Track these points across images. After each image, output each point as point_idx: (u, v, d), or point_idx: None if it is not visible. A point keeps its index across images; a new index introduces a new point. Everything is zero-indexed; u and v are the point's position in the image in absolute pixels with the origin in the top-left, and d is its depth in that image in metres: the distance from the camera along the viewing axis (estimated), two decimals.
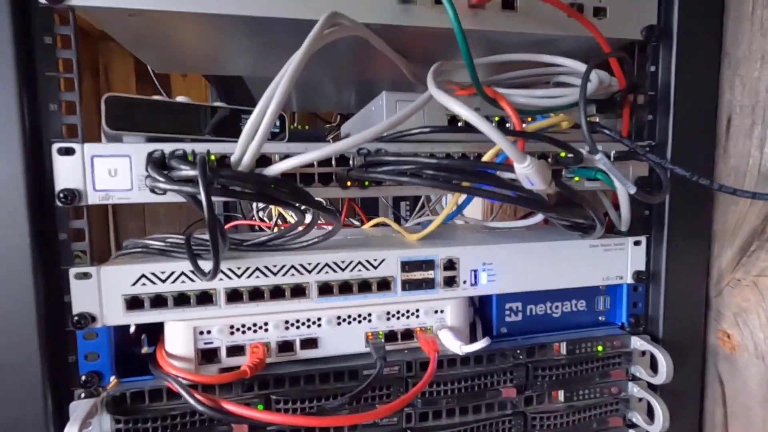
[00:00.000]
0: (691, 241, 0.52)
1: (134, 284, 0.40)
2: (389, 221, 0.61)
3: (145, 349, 0.48)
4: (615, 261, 0.51)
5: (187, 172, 0.36)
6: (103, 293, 0.39)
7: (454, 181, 0.41)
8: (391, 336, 0.46)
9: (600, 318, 0.54)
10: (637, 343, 0.51)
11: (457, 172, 0.41)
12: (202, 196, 0.34)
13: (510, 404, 0.48)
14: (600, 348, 0.50)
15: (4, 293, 0.37)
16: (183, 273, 0.41)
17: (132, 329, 0.46)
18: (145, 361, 0.42)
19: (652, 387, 0.51)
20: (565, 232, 0.52)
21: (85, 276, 0.39)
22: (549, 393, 0.50)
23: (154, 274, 0.40)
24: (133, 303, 0.40)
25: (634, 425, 0.52)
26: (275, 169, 0.38)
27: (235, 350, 0.42)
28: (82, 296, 0.39)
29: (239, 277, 0.42)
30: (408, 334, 0.46)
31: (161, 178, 0.37)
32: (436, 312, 0.47)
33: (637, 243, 0.52)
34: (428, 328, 0.47)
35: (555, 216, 0.47)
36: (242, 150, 0.37)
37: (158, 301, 0.41)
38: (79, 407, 0.37)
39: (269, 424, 0.41)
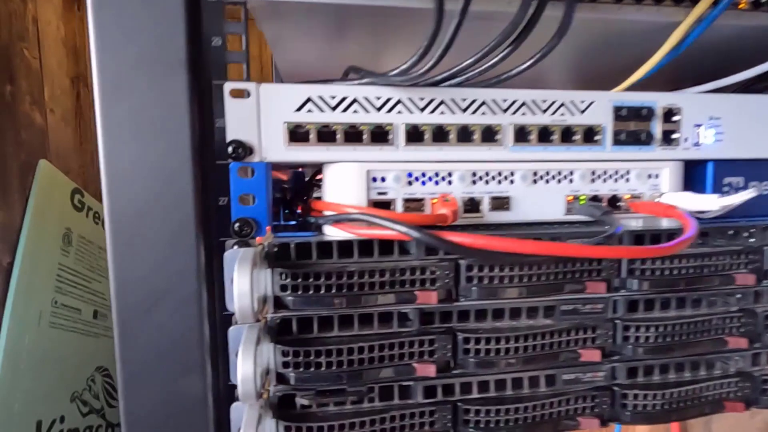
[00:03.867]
0: None
1: (299, 109, 0.32)
2: None
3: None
4: None
5: None
6: (263, 118, 0.31)
7: None
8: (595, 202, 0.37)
9: None
10: None
11: None
12: None
13: (736, 300, 0.38)
14: None
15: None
16: (356, 101, 0.32)
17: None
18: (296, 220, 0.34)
19: None
20: None
21: (242, 94, 0.31)
22: None
23: (322, 98, 0.32)
24: (297, 133, 0.32)
25: None
26: None
27: (413, 204, 0.34)
28: (237, 119, 0.31)
29: (421, 111, 0.33)
30: (614, 202, 0.37)
31: None
32: (649, 177, 0.37)
33: None
34: (638, 195, 0.37)
35: None
36: None
37: (326, 134, 0.32)
38: (239, 256, 0.29)
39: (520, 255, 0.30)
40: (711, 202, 0.32)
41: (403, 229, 0.27)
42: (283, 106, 0.31)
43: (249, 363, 0.27)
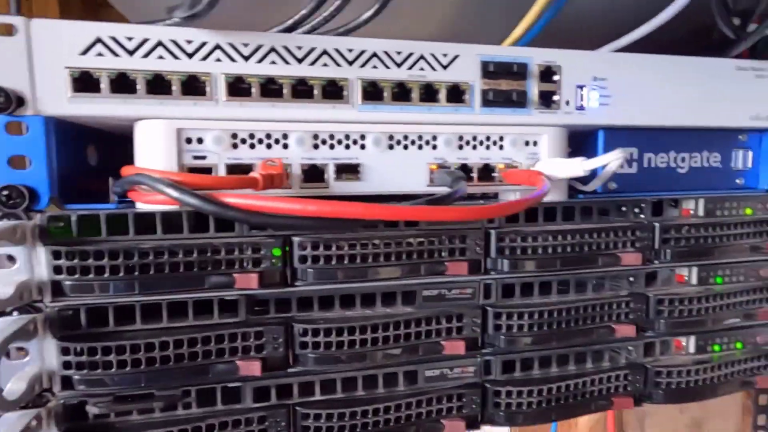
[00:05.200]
0: None
1: (86, 52, 0.26)
2: None
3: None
4: (765, 94, 0.37)
5: None
6: (35, 61, 0.25)
7: None
8: (462, 172, 0.32)
9: (737, 180, 0.39)
10: None
11: None
12: None
13: (627, 281, 0.34)
14: (748, 211, 0.36)
15: None
16: (161, 44, 0.27)
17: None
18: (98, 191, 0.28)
19: None
20: None
21: (5, 30, 0.25)
22: (678, 269, 0.36)
23: (116, 39, 0.26)
24: (85, 82, 0.26)
25: None
26: None
27: (240, 171, 0.28)
28: (1, 62, 0.25)
29: (246, 59, 0.28)
30: (487, 173, 0.32)
31: None
32: (527, 144, 0.33)
33: None
34: (513, 165, 0.33)
35: None
36: None
37: (123, 85, 0.27)
38: None
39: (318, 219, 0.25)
40: (576, 167, 0.28)
41: (172, 192, 0.21)
42: (65, 48, 0.26)
43: None
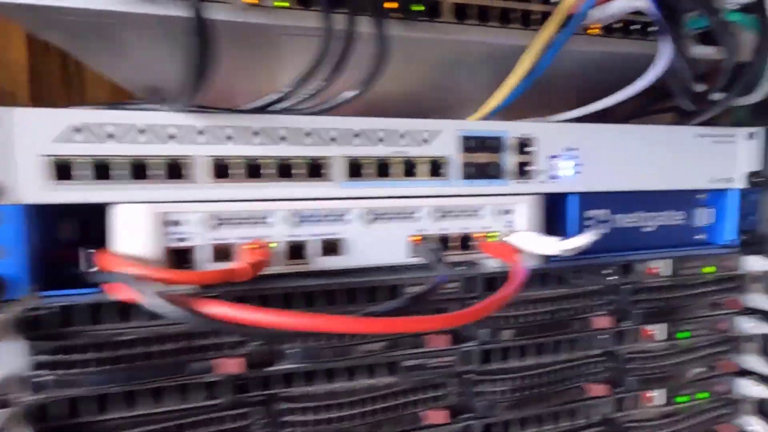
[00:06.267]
0: None
1: (63, 140, 0.25)
2: None
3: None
4: (725, 158, 0.39)
5: None
6: (16, 149, 0.25)
7: None
8: (442, 243, 0.33)
9: (699, 236, 0.41)
10: (753, 263, 0.39)
11: None
12: None
13: (599, 341, 0.36)
14: (710, 269, 0.38)
15: None
16: (140, 129, 0.27)
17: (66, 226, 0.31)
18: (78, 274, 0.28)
19: None
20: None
21: None
22: (646, 328, 0.38)
23: (93, 126, 0.26)
24: (62, 169, 0.26)
25: (747, 372, 0.40)
26: None
27: (223, 252, 0.28)
28: None
29: (229, 139, 0.28)
30: (465, 242, 0.33)
31: None
32: (504, 212, 0.34)
33: (751, 136, 0.40)
34: (492, 234, 0.34)
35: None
36: None
37: (103, 170, 0.26)
38: None
39: (279, 331, 0.26)
40: (551, 246, 0.29)
41: (137, 294, 0.21)
42: (41, 136, 0.25)
43: None
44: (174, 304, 0.21)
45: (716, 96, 0.35)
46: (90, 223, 0.31)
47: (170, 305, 0.21)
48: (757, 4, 0.31)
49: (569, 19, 0.32)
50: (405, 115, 0.32)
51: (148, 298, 0.21)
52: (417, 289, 0.27)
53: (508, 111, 0.34)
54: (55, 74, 0.57)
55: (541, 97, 0.41)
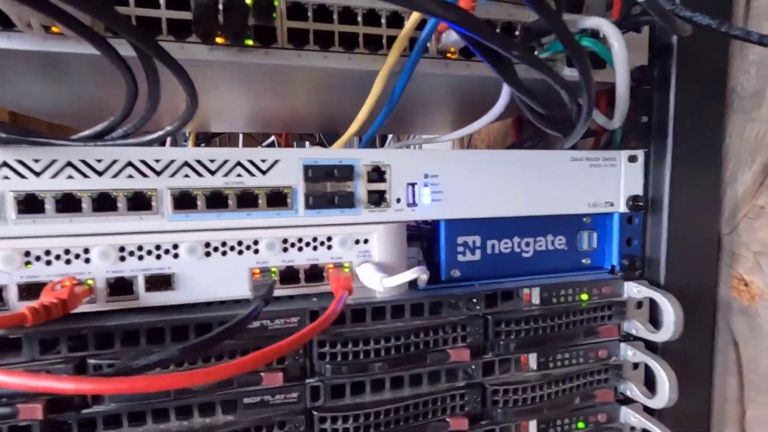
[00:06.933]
0: (701, 159, 0.39)
1: None
2: None
3: None
4: (604, 182, 0.38)
5: None
6: None
7: None
8: (290, 275, 0.32)
9: (584, 261, 0.40)
10: (634, 290, 0.38)
11: None
12: None
13: (462, 373, 0.35)
14: (584, 296, 0.37)
15: None
16: None
17: None
18: None
19: (650, 349, 0.39)
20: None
21: None
22: (516, 358, 0.37)
23: None
24: None
25: (628, 400, 0.39)
26: None
27: (35, 290, 0.27)
28: None
29: (38, 175, 0.27)
30: (316, 274, 0.32)
31: None
32: (357, 242, 0.33)
33: (632, 159, 0.39)
34: (345, 265, 0.33)
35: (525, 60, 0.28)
36: None
37: None
38: None
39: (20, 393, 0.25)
40: (377, 283, 0.28)
41: None
42: None
43: None
44: None
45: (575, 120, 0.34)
46: None
47: None
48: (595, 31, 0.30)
49: (414, 43, 0.31)
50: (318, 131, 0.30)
51: None
52: (212, 332, 0.25)
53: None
54: None
55: (422, 120, 0.40)
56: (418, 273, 0.27)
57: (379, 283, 0.28)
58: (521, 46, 0.29)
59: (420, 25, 0.31)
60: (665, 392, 0.35)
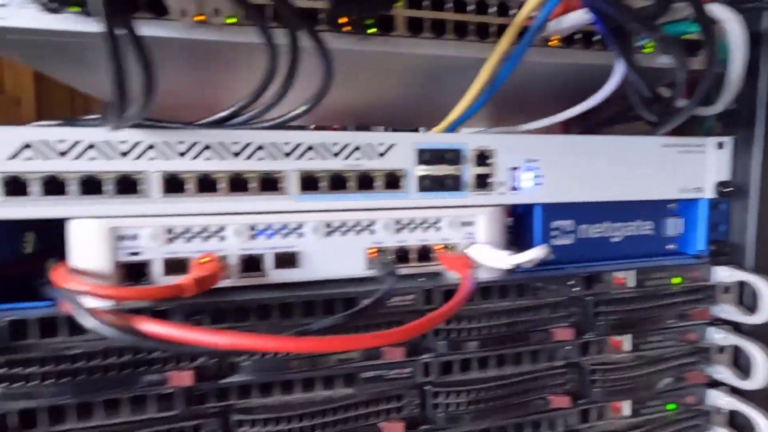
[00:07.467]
0: None
1: (14, 157, 0.26)
2: None
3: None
4: (693, 168, 0.39)
5: None
6: None
7: None
8: (401, 255, 0.33)
9: (669, 246, 0.41)
10: (724, 273, 0.39)
11: None
12: None
13: (562, 352, 0.36)
14: (677, 280, 0.38)
15: None
16: (92, 146, 0.27)
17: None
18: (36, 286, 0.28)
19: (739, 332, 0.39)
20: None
21: None
22: (610, 339, 0.38)
23: (46, 143, 0.26)
24: (15, 186, 0.26)
25: (715, 383, 0.40)
26: None
27: (177, 266, 0.29)
28: None
29: (182, 155, 0.28)
30: (425, 254, 0.33)
31: None
32: (463, 224, 0.34)
33: (720, 145, 0.39)
34: (452, 246, 0.34)
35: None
36: None
37: (54, 186, 0.27)
38: None
39: (217, 351, 0.27)
40: (501, 260, 0.29)
41: (75, 310, 0.22)
42: None
43: None
44: (106, 322, 0.21)
45: (680, 104, 0.35)
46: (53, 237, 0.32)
47: (101, 324, 0.21)
48: (700, 17, 0.31)
49: (525, 31, 0.32)
50: (389, 123, 0.32)
51: (81, 316, 0.22)
52: (364, 302, 0.27)
53: (484, 119, 0.35)
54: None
55: (509, 108, 0.41)
56: (543, 251, 0.28)
57: (504, 260, 0.29)
58: (659, 27, 0.29)
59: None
60: (763, 374, 0.36)
